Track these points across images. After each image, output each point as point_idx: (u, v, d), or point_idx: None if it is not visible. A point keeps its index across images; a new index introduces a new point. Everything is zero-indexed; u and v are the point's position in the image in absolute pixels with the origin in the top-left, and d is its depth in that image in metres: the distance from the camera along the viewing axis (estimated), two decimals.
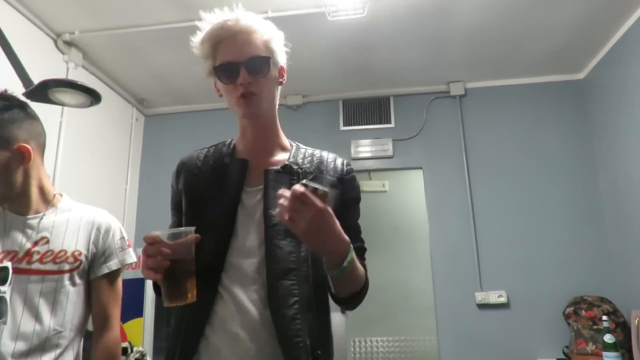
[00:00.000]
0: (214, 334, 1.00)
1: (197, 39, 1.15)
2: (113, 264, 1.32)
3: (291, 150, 1.18)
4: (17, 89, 1.67)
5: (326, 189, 0.88)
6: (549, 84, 3.51)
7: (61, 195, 1.36)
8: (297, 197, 0.85)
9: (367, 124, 3.68)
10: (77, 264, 1.25)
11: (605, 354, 2.32)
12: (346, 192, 1.14)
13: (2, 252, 1.19)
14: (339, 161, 1.19)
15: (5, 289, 1.13)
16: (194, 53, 1.16)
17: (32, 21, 2.63)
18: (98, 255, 1.30)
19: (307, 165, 1.14)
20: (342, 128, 3.68)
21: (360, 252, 1.12)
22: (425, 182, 3.52)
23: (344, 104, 3.74)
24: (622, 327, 2.73)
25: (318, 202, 0.86)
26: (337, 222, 0.91)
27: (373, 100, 3.71)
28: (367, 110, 3.71)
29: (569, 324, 2.90)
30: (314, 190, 0.87)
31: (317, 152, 1.20)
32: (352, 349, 4.30)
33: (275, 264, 1.01)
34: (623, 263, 2.95)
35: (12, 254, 1.19)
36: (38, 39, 2.71)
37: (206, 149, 1.23)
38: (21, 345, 1.13)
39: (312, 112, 3.73)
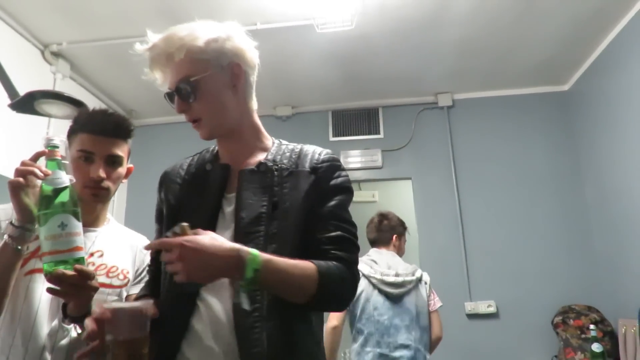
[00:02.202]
0: (189, 349, 0.95)
1: (148, 65, 1.08)
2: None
3: (270, 149, 1.12)
4: (2, 101, 1.65)
5: (182, 224, 0.85)
6: (535, 95, 3.56)
7: (109, 216, 1.39)
8: (165, 250, 0.83)
9: (356, 135, 3.70)
10: (125, 281, 1.27)
11: None
12: (320, 181, 1.06)
13: None
14: (318, 151, 1.11)
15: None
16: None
17: (18, 32, 2.61)
18: (139, 277, 1.32)
19: (285, 161, 1.08)
20: (332, 139, 3.70)
21: (339, 240, 1.01)
22: (414, 192, 3.54)
23: (333, 115, 3.75)
24: (609, 335, 2.75)
25: (175, 241, 0.82)
26: (214, 242, 0.84)
27: (362, 111, 3.74)
28: (356, 121, 3.73)
29: (557, 333, 2.92)
30: (174, 233, 0.83)
31: (299, 147, 1.13)
32: None
33: None
34: (610, 272, 2.98)
35: None
36: (25, 50, 2.69)
37: (190, 158, 1.19)
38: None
39: (301, 123, 3.74)
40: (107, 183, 1.24)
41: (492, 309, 3.13)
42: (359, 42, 2.91)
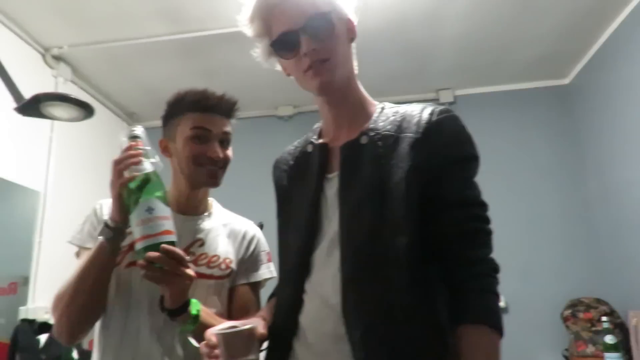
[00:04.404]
0: (299, 346, 0.90)
1: (244, 16, 0.98)
2: (257, 275, 1.26)
3: (373, 116, 0.98)
4: (8, 104, 1.64)
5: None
6: (536, 89, 3.55)
7: (213, 201, 1.33)
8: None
9: None
10: (227, 271, 1.20)
11: (607, 355, 2.33)
12: (434, 151, 0.87)
13: None
14: (426, 111, 0.93)
15: None
16: (247, 34, 1.00)
17: (19, 36, 2.60)
18: (245, 265, 1.25)
19: (389, 127, 0.93)
20: None
21: (473, 235, 0.86)
22: None
23: None
24: (620, 328, 2.74)
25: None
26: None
27: None
28: None
29: (567, 326, 2.91)
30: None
31: (403, 109, 0.98)
32: None
33: (348, 263, 0.86)
34: (617, 264, 2.97)
35: None
36: (26, 54, 2.68)
37: (297, 141, 1.11)
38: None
39: (303, 122, 3.67)
40: (223, 163, 1.19)
41: (501, 304, 3.09)
42: (358, 40, 2.86)
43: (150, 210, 0.93)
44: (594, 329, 2.76)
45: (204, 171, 1.17)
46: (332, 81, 0.94)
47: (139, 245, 0.93)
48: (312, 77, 0.92)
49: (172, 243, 0.94)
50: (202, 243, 1.20)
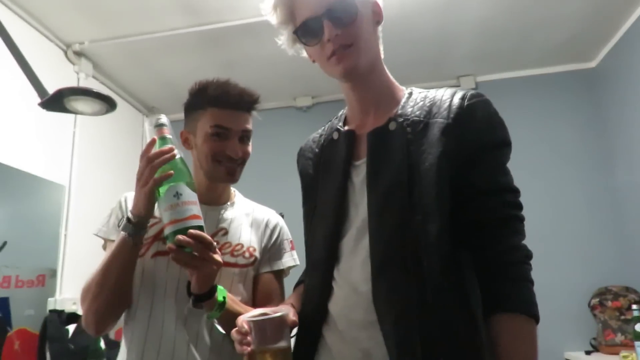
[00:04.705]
0: (329, 333, 0.90)
1: (267, 5, 0.98)
2: (280, 263, 1.27)
3: (401, 102, 0.96)
4: (32, 100, 1.67)
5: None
6: (561, 74, 3.46)
7: (235, 191, 1.35)
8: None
9: None
10: (251, 259, 1.21)
11: (637, 343, 2.26)
12: (466, 136, 0.85)
13: None
14: (458, 96, 0.90)
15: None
16: (271, 23, 0.99)
17: (41, 32, 2.64)
18: (268, 253, 1.26)
19: (418, 112, 0.91)
20: None
21: (505, 223, 0.85)
22: None
23: None
24: None
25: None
26: None
27: None
28: None
29: (595, 315, 2.85)
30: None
31: (432, 94, 0.95)
32: None
33: (378, 251, 0.85)
34: None
35: None
36: (48, 50, 2.72)
37: (322, 128, 1.10)
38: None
39: (322, 113, 3.68)
40: (242, 160, 1.20)
41: None
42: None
43: (178, 195, 0.94)
44: (622, 317, 2.70)
45: (222, 168, 1.17)
46: (356, 66, 0.92)
47: (168, 230, 0.94)
48: (336, 63, 0.91)
49: (200, 227, 0.95)
50: (226, 232, 1.21)
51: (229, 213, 1.25)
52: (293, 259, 1.29)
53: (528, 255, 0.87)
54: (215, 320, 1.05)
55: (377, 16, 0.98)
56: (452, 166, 0.84)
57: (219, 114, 1.16)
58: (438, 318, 0.80)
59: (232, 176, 1.20)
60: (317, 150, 1.06)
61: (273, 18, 0.98)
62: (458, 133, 0.86)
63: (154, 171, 0.97)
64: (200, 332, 1.11)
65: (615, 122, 3.20)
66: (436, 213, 0.82)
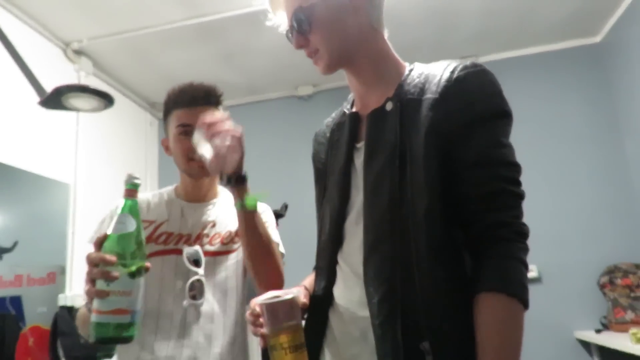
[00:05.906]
0: (333, 316, 0.92)
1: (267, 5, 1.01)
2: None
3: (401, 79, 0.93)
4: (31, 100, 1.67)
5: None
6: (565, 50, 3.40)
7: (220, 188, 1.41)
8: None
9: None
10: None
11: None
12: (453, 109, 0.82)
13: (177, 235, 1.24)
14: (448, 69, 0.86)
15: (201, 271, 1.19)
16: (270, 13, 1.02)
17: (39, 32, 2.64)
18: None
19: (412, 91, 0.88)
20: None
21: (493, 196, 0.80)
22: None
23: None
24: None
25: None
26: None
27: None
28: None
29: (604, 293, 2.83)
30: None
31: (428, 69, 0.92)
32: None
33: (370, 231, 0.85)
34: None
35: (185, 237, 1.25)
36: (47, 50, 2.72)
37: (336, 112, 1.10)
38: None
39: (323, 101, 3.67)
40: None
41: (534, 274, 3.05)
42: None
43: (108, 282, 0.89)
44: (633, 294, 2.68)
45: (194, 164, 1.21)
46: (330, 65, 0.94)
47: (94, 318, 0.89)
48: (315, 64, 0.96)
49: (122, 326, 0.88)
50: (214, 224, 1.28)
51: (215, 208, 1.32)
52: (279, 239, 1.31)
53: (519, 232, 0.81)
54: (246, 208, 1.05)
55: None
56: (442, 142, 0.82)
57: (181, 113, 1.23)
58: (423, 299, 0.77)
59: (203, 169, 1.20)
60: (328, 134, 1.06)
61: (273, 20, 1.03)
62: (445, 107, 0.83)
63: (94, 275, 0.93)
64: (198, 333, 1.16)
65: (622, 96, 3.15)
66: (424, 191, 0.80)
